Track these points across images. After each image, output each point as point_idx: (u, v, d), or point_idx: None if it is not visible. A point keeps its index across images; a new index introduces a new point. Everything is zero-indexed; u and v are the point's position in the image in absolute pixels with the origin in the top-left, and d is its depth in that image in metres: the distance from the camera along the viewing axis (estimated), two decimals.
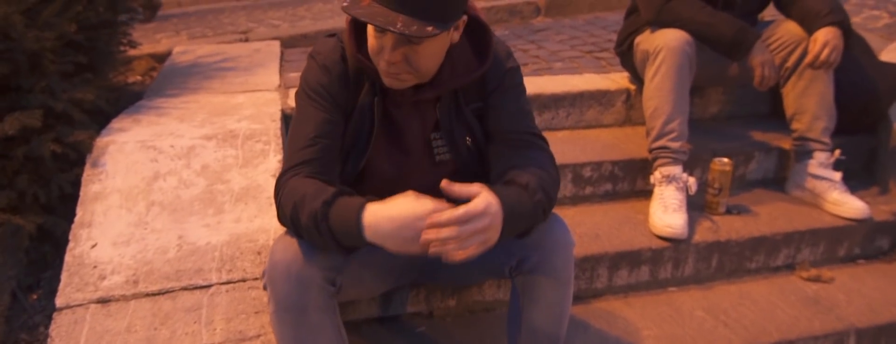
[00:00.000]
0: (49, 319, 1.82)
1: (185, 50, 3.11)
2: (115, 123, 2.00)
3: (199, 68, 2.74)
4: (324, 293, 1.27)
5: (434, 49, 1.22)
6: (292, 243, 1.26)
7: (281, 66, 2.83)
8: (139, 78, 3.08)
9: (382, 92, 1.36)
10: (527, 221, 1.26)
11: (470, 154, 1.45)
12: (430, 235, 1.11)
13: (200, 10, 5.52)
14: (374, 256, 1.43)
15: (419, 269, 1.54)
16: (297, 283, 1.24)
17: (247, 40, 3.49)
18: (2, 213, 1.66)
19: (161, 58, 3.17)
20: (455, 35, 1.25)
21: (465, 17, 1.24)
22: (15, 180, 1.74)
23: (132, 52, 2.91)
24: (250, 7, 5.40)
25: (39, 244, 1.89)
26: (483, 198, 1.15)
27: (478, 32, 1.35)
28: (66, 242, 1.90)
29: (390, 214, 1.16)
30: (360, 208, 1.17)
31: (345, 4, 1.17)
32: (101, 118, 2.08)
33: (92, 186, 1.72)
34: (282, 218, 1.29)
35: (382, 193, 1.47)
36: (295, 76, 2.65)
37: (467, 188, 1.17)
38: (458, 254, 1.12)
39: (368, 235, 1.16)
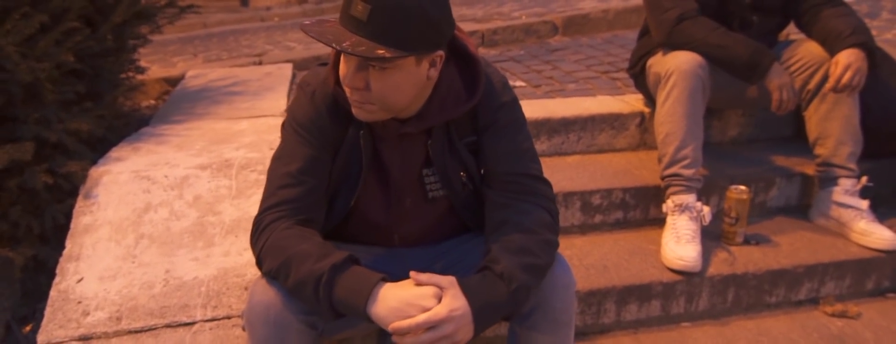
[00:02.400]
0: None
1: (197, 74, 3.12)
2: (114, 152, 1.99)
3: (208, 93, 2.74)
4: (304, 338, 1.21)
5: (398, 79, 1.15)
6: (272, 285, 1.21)
7: (290, 89, 2.81)
8: (152, 102, 3.09)
9: (368, 126, 1.30)
10: (504, 311, 1.18)
11: (465, 189, 1.38)
12: (396, 340, 1.11)
13: (224, 31, 5.59)
14: None
15: None
16: (276, 326, 1.18)
17: (260, 63, 3.50)
18: None
19: (175, 81, 3.19)
20: (432, 72, 1.19)
21: (441, 53, 1.18)
22: (9, 211, 1.72)
23: (144, 77, 2.93)
24: (272, 28, 5.46)
25: (34, 275, 1.87)
26: (446, 303, 1.11)
27: (469, 64, 1.29)
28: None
29: (402, 296, 1.12)
30: (376, 284, 1.13)
31: (306, 23, 1.13)
32: (103, 146, 2.07)
33: (83, 218, 1.70)
34: (260, 265, 1.23)
35: (371, 233, 1.41)
36: None
37: (437, 281, 1.13)
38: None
39: (372, 311, 1.12)
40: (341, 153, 1.30)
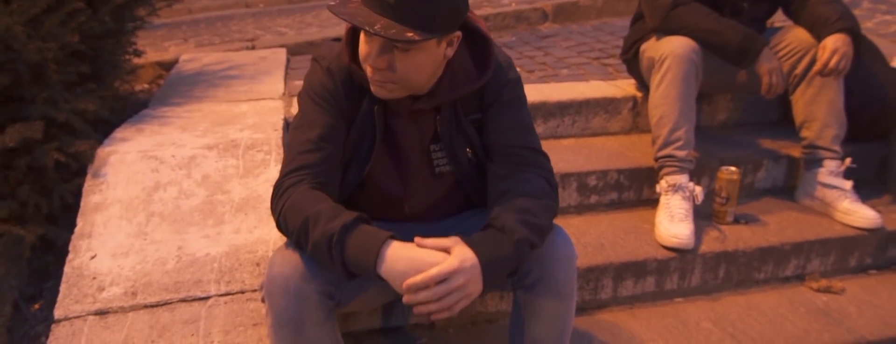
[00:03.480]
0: (50, 329, 1.82)
1: (191, 58, 3.12)
2: (118, 133, 2.00)
3: (204, 76, 2.74)
4: (322, 308, 1.25)
5: (421, 60, 1.20)
6: (291, 256, 1.25)
7: (286, 73, 2.83)
8: (146, 86, 3.09)
9: (382, 101, 1.34)
10: (510, 265, 1.23)
11: (471, 166, 1.43)
12: (408, 300, 1.13)
13: (210, 17, 5.55)
14: None
15: None
16: (296, 297, 1.22)
17: (253, 48, 3.50)
18: (3, 223, 1.66)
19: (168, 66, 3.18)
20: (448, 51, 1.23)
21: (459, 34, 1.22)
22: (17, 191, 1.74)
23: (139, 61, 2.92)
24: (259, 14, 5.43)
25: (42, 254, 1.89)
26: (456, 255, 1.15)
27: (479, 44, 1.33)
28: (68, 252, 1.90)
29: (411, 254, 1.15)
30: (384, 242, 1.16)
31: (331, 3, 1.16)
32: (105, 128, 2.08)
33: (92, 196, 1.72)
34: (282, 228, 1.28)
35: (382, 205, 1.46)
36: (299, 84, 2.64)
37: (441, 243, 1.17)
38: (441, 313, 1.13)
39: (382, 269, 1.15)
40: (355, 126, 1.34)
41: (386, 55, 1.18)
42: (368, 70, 1.22)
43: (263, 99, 2.39)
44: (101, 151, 1.85)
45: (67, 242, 1.81)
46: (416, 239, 1.18)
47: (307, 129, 1.31)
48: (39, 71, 1.78)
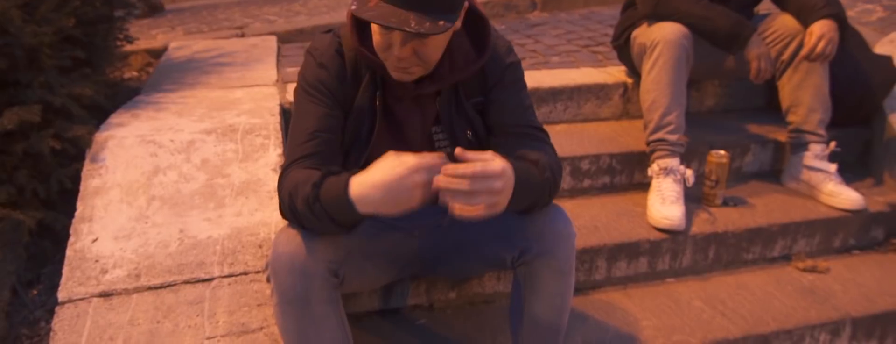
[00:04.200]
0: (50, 314, 1.82)
1: (180, 45, 3.10)
2: (114, 118, 2.00)
3: (195, 63, 2.74)
4: (327, 285, 1.28)
5: (442, 40, 1.24)
6: (295, 235, 1.27)
7: (278, 61, 2.83)
8: (135, 73, 3.07)
9: (383, 86, 1.36)
10: (534, 195, 1.26)
11: (471, 148, 1.45)
12: (441, 182, 1.09)
13: (195, 5, 5.49)
14: (377, 247, 1.44)
15: (421, 261, 1.54)
16: (301, 275, 1.25)
17: (242, 36, 3.49)
18: (2, 208, 1.66)
19: (157, 53, 3.16)
20: (458, 22, 1.26)
21: (466, 4, 1.25)
22: (14, 176, 1.73)
23: (128, 48, 2.90)
24: (245, 3, 5.38)
25: (39, 239, 1.89)
26: (500, 161, 1.13)
27: (477, 25, 1.36)
28: (66, 237, 1.89)
29: (375, 181, 1.14)
30: (346, 184, 1.16)
31: (353, 8, 1.18)
32: (99, 114, 2.07)
33: (92, 180, 1.72)
34: (283, 210, 1.30)
35: None
36: (292, 71, 2.65)
37: (481, 155, 1.14)
38: (466, 209, 1.10)
39: (361, 208, 1.15)
40: (354, 112, 1.36)
41: (409, 44, 1.20)
42: (392, 60, 1.24)
43: (257, 85, 2.39)
44: (99, 136, 1.85)
45: (65, 227, 1.81)
46: (458, 150, 1.14)
47: (303, 121, 1.33)
48: (34, 55, 1.77)
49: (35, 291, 1.87)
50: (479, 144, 1.45)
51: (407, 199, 1.12)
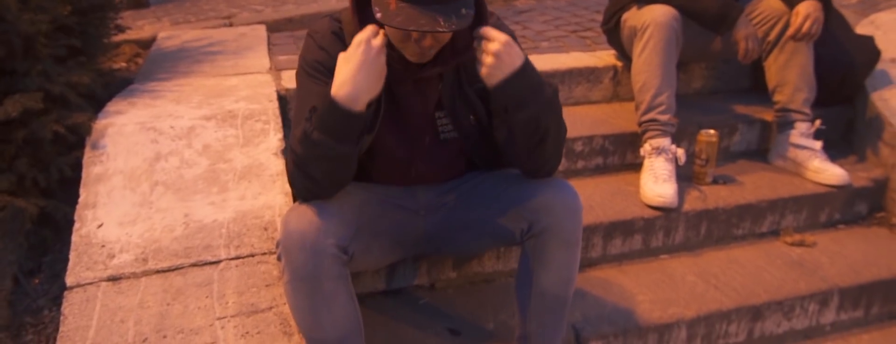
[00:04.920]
0: (53, 302, 1.83)
1: (169, 35, 3.09)
2: (111, 107, 2.00)
3: (186, 53, 2.73)
4: (337, 262, 1.30)
5: None
6: (305, 213, 1.30)
7: (269, 49, 2.83)
8: (124, 64, 3.05)
9: (386, 68, 1.39)
10: (532, 85, 1.32)
11: (475, 132, 1.49)
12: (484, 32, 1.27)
13: None
14: (383, 226, 1.47)
15: (427, 241, 1.58)
16: (312, 252, 1.27)
17: (231, 25, 3.48)
18: (3, 196, 1.66)
19: (145, 44, 3.15)
20: None
21: None
22: (14, 164, 1.73)
23: (118, 38, 2.89)
24: None
25: (39, 228, 1.89)
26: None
27: (476, 9, 1.38)
28: (67, 225, 1.90)
29: (345, 76, 1.22)
30: (327, 96, 1.23)
31: (379, 16, 1.22)
32: (94, 103, 2.07)
33: (93, 167, 1.73)
34: (292, 177, 1.34)
35: (389, 170, 1.51)
36: (284, 59, 2.66)
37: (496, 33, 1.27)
38: (493, 45, 1.25)
39: (350, 104, 1.22)
40: None
41: (429, 33, 1.25)
42: (411, 49, 1.29)
43: (251, 73, 2.40)
44: (98, 124, 1.85)
45: (66, 215, 1.82)
46: (484, 29, 1.28)
47: (306, 101, 1.36)
48: (30, 44, 1.77)
49: (36, 281, 1.87)
50: (483, 129, 1.48)
51: (378, 68, 1.24)
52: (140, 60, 2.99)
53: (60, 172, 1.78)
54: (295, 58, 2.70)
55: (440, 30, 1.18)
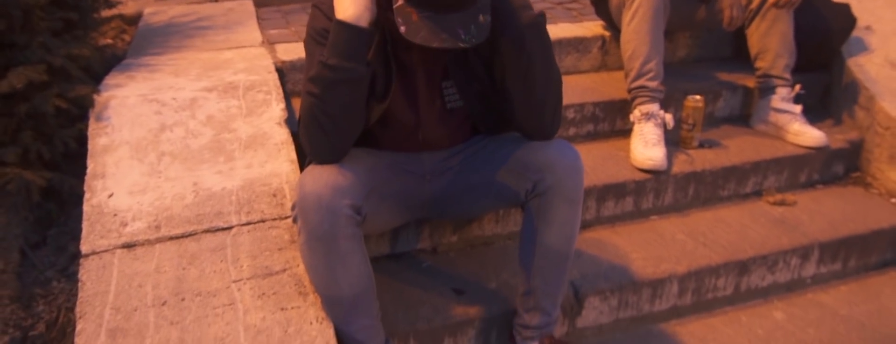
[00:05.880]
0: (61, 273, 1.86)
1: (155, 11, 3.07)
2: (109, 80, 2.01)
3: (176, 28, 2.73)
4: (351, 222, 1.36)
5: None
6: (321, 175, 1.35)
7: (259, 23, 2.83)
8: (110, 41, 3.03)
9: (392, 40, 1.43)
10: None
11: (480, 101, 1.54)
12: None
13: None
14: (392, 189, 1.53)
15: (432, 204, 1.63)
16: (328, 212, 1.32)
17: (216, 0, 3.45)
18: (11, 168, 1.68)
19: (130, 20, 3.12)
20: None
21: None
22: (18, 137, 1.74)
23: (107, 13, 2.86)
24: None
25: (43, 202, 1.91)
26: None
27: None
28: (71, 198, 1.93)
29: (345, 1, 1.33)
30: (333, 21, 1.34)
31: (403, 29, 1.28)
32: (91, 77, 2.07)
33: (99, 139, 1.75)
34: (308, 131, 1.40)
35: (397, 137, 1.56)
36: (275, 33, 2.67)
37: None
38: None
39: (356, 20, 1.32)
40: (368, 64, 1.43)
41: None
42: None
43: (244, 46, 2.41)
44: (101, 96, 1.87)
45: (72, 187, 1.84)
46: None
47: (310, 65, 1.40)
48: (28, 17, 1.77)
49: (42, 254, 1.90)
50: (488, 99, 1.54)
51: None
52: (126, 37, 2.97)
53: (65, 144, 1.79)
54: (286, 32, 2.73)
55: (462, 45, 1.26)
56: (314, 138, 1.39)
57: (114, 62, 2.32)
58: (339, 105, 1.35)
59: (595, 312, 1.80)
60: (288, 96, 2.13)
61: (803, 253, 2.00)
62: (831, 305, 1.95)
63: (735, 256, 1.93)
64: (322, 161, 1.41)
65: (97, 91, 1.86)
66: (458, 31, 1.25)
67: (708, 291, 1.92)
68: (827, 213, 2.16)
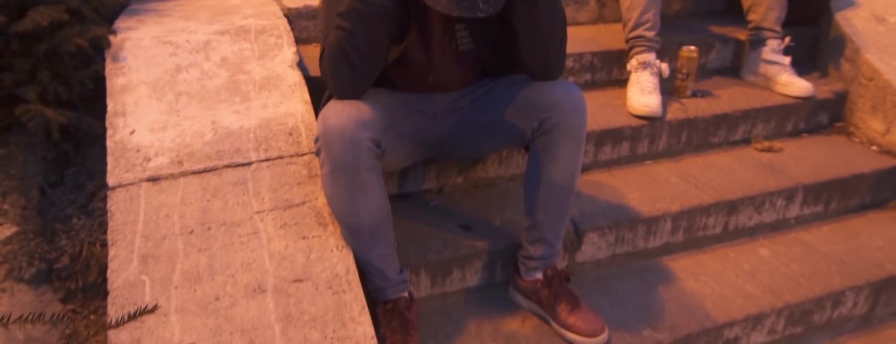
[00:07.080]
0: (80, 210, 1.92)
1: None
2: (121, 23, 2.04)
3: None
4: (372, 155, 1.43)
5: None
6: (343, 110, 1.42)
7: None
8: None
9: None
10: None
11: (490, 45, 1.61)
12: None
13: None
14: (406, 127, 1.61)
15: (441, 144, 1.71)
16: (351, 144, 1.40)
17: None
18: (32, 105, 1.72)
19: None
20: None
21: None
22: (36, 77, 1.78)
23: None
24: None
25: (60, 142, 1.95)
26: None
27: None
28: (87, 138, 1.98)
29: None
30: None
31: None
32: (103, 19, 2.10)
33: (117, 79, 1.79)
34: (333, 65, 1.46)
35: (409, 77, 1.63)
36: None
37: None
38: None
39: None
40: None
41: None
42: None
43: None
44: (115, 38, 1.90)
45: (90, 126, 1.89)
46: None
47: (334, 7, 1.45)
48: None
49: (61, 192, 1.95)
50: (498, 42, 1.60)
51: None
52: None
53: (82, 84, 1.83)
54: None
55: (480, 15, 1.33)
56: (340, 72, 1.45)
57: (118, 8, 2.33)
58: (368, 40, 1.41)
59: (593, 248, 1.91)
60: (298, 43, 2.17)
61: (788, 195, 2.12)
62: (813, 243, 2.08)
63: (724, 197, 2.04)
64: (344, 96, 1.47)
65: (113, 32, 1.89)
66: (479, 2, 1.32)
67: (699, 229, 2.03)
68: (811, 159, 2.27)
